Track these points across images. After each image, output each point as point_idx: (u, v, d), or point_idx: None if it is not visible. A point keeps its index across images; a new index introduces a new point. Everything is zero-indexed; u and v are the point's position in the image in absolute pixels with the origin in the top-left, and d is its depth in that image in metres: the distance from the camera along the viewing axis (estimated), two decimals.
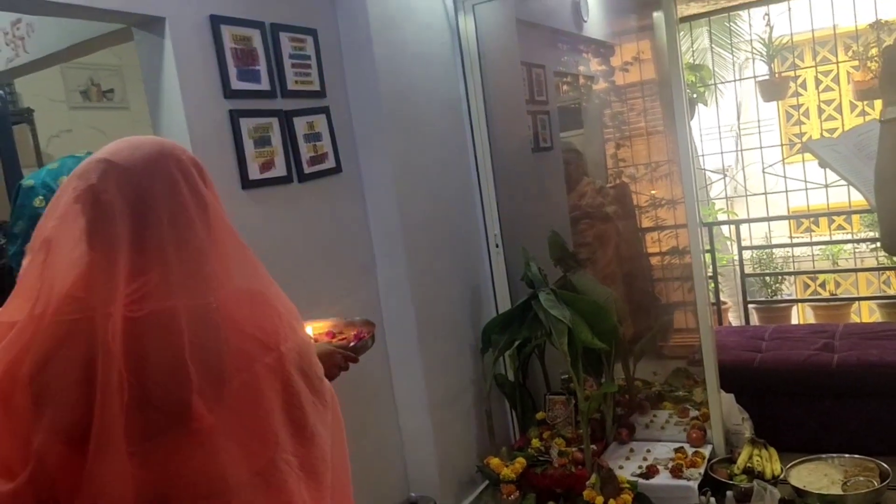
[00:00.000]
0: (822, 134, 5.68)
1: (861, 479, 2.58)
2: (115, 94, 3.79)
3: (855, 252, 5.43)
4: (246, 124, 2.16)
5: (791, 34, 4.89)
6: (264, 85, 2.25)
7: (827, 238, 5.87)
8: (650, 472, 2.69)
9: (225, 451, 1.03)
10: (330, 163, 2.48)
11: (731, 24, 5.45)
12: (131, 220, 1.03)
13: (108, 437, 0.96)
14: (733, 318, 5.22)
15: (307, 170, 2.37)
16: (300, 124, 2.36)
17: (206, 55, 2.07)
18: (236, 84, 2.14)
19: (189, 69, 2.02)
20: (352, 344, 1.60)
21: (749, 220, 5.15)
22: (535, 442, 2.87)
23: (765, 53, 5.18)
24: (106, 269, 1.00)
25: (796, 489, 2.59)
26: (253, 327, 1.11)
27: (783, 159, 5.35)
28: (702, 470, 2.67)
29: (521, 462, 2.71)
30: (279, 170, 2.27)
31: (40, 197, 1.65)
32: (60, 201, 1.06)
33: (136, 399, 0.98)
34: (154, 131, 2.07)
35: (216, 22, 2.09)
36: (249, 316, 1.11)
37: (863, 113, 6.04)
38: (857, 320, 5.11)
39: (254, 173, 2.18)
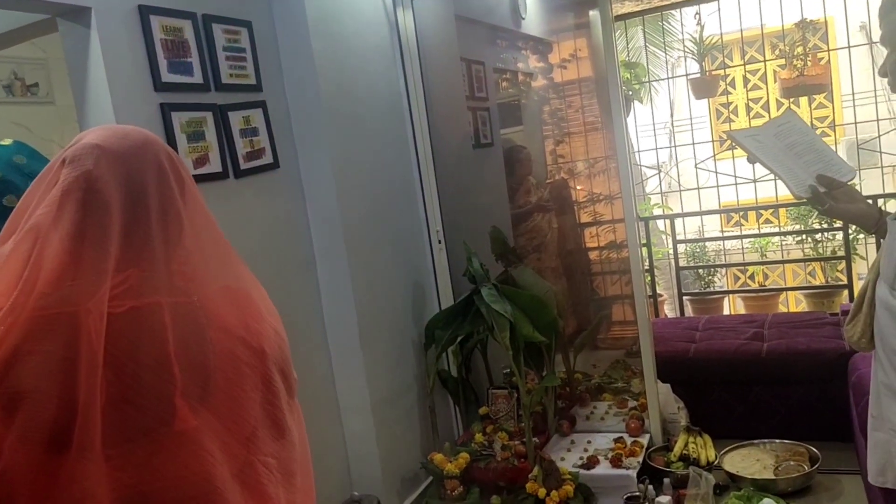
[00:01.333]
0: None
1: (792, 463, 2.68)
2: (39, 88, 3.63)
3: (782, 244, 5.64)
4: (178, 118, 2.09)
5: (721, 34, 5.03)
6: (197, 78, 2.18)
7: (755, 231, 6.08)
8: (591, 462, 2.73)
9: (208, 452, 1.00)
10: (267, 158, 2.43)
11: (665, 23, 5.59)
12: (123, 210, 0.98)
13: (87, 438, 0.91)
14: (669, 310, 5.36)
15: (243, 165, 2.32)
16: (235, 119, 2.30)
17: (134, 47, 2.00)
18: (167, 77, 2.07)
19: (117, 61, 1.94)
20: None
21: (683, 215, 5.29)
22: (479, 436, 2.88)
23: (696, 52, 5.32)
24: (94, 263, 0.95)
25: (730, 474, 2.67)
26: (237, 327, 1.08)
27: (714, 155, 5.51)
28: (640, 459, 2.73)
29: (464, 457, 2.72)
30: (214, 165, 2.21)
31: None
32: (46, 185, 0.99)
33: (114, 398, 0.93)
34: (80, 126, 1.98)
35: (145, 12, 2.02)
36: (234, 315, 1.08)
37: (789, 108, 6.27)
38: (785, 310, 5.31)
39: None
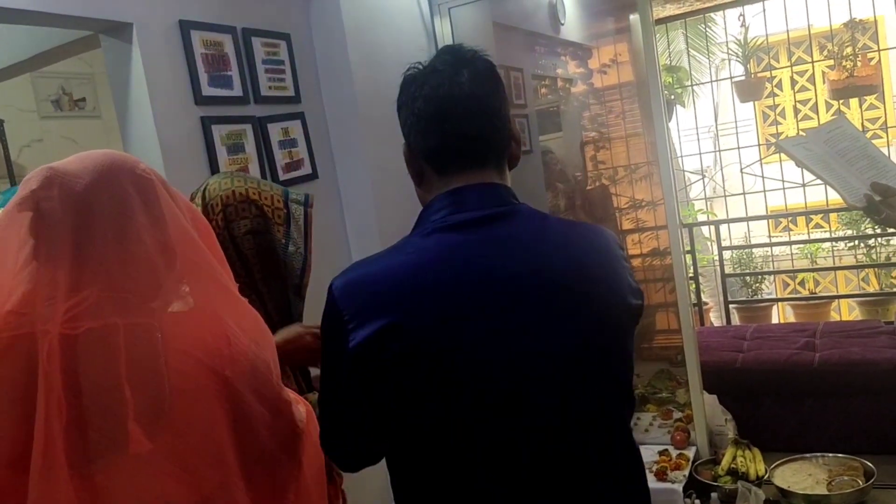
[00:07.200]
0: (798, 133, 5.73)
1: (846, 478, 2.57)
2: (86, 102, 3.73)
3: (833, 250, 5.47)
4: (218, 131, 2.11)
5: (766, 35, 4.92)
6: (237, 91, 2.21)
7: (805, 237, 5.91)
8: None
9: (169, 475, 0.99)
10: (306, 169, 2.45)
11: (706, 25, 5.49)
12: (73, 230, 0.99)
13: (49, 459, 0.92)
14: (715, 319, 5.24)
15: (282, 176, 2.33)
16: (274, 130, 2.32)
17: (175, 61, 2.03)
18: (207, 90, 2.10)
19: (158, 76, 1.97)
20: None
21: (728, 221, 5.18)
22: None
23: (740, 54, 5.21)
24: (48, 284, 0.97)
25: (781, 489, 2.58)
26: (198, 350, 1.05)
27: (761, 159, 5.39)
28: (686, 472, 2.66)
29: None
30: None
31: None
32: (5, 210, 1.02)
33: (75, 420, 0.94)
34: (123, 140, 2.02)
35: (186, 27, 2.05)
36: (194, 337, 1.06)
37: (838, 112, 6.09)
38: (838, 318, 5.15)
39: None
